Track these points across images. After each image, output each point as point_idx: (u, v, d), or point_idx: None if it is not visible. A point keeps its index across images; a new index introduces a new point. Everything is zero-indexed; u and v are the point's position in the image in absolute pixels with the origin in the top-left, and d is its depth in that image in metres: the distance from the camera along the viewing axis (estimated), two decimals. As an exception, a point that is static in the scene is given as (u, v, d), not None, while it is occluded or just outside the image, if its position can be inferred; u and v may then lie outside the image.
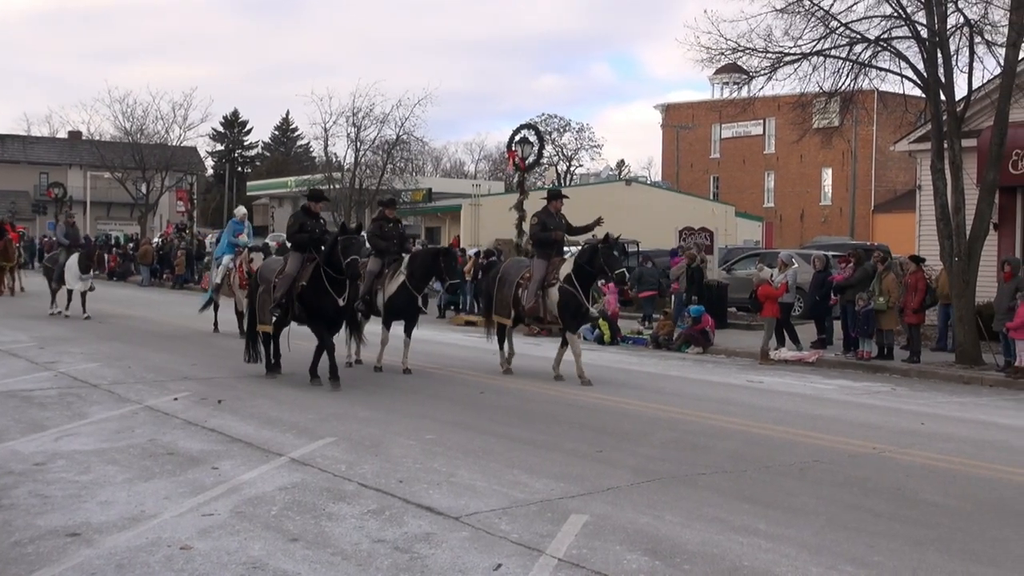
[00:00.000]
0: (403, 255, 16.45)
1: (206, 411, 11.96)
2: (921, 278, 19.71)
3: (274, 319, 14.62)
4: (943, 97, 19.66)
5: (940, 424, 12.82)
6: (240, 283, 20.63)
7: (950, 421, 13.13)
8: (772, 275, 21.09)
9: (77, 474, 8.77)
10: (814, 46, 20.42)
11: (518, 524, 7.47)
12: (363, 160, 47.63)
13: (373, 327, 17.15)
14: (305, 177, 56.28)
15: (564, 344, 15.90)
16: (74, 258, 24.36)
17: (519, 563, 6.63)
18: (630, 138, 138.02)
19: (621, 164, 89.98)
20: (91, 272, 24.51)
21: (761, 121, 62.90)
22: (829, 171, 63.71)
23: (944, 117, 19.61)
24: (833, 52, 20.54)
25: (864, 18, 20.25)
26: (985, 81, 21.46)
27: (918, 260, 20.41)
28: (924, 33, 19.40)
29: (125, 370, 15.39)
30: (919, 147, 24.33)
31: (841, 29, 20.18)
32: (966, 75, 19.77)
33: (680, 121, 68.62)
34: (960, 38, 19.56)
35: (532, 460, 9.71)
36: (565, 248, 16.91)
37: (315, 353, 14.30)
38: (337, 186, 47.15)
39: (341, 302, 13.95)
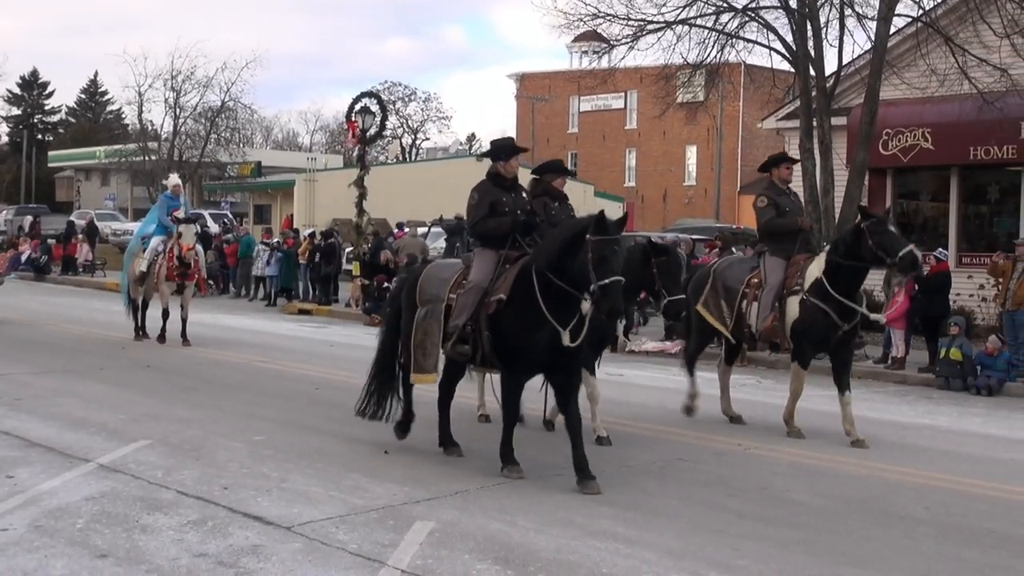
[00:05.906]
0: None
1: None
2: (788, 263, 20.21)
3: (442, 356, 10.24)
4: (812, 72, 20.35)
5: (807, 418, 13.24)
6: (168, 274, 18.04)
7: (817, 415, 13.57)
8: None
9: None
10: (679, 14, 20.93)
11: (357, 533, 7.44)
12: (183, 129, 46.74)
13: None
14: (117, 147, 54.79)
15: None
16: None
17: (358, 576, 6.61)
18: (482, 110, 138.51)
19: (472, 138, 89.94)
20: None
21: (622, 94, 63.74)
22: (694, 149, 65.07)
23: (813, 93, 20.30)
24: (699, 21, 21.09)
25: (732, -15, 20.79)
26: (856, 56, 22.32)
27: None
28: (794, 3, 20.01)
29: (-98, 366, 14.73)
30: (787, 124, 25.09)
31: (708, -4, 20.69)
32: (836, 49, 20.56)
33: (536, 92, 69.04)
34: (831, 10, 20.34)
35: (373, 463, 9.68)
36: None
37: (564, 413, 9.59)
38: (153, 157, 46.07)
39: (567, 339, 9.13)
